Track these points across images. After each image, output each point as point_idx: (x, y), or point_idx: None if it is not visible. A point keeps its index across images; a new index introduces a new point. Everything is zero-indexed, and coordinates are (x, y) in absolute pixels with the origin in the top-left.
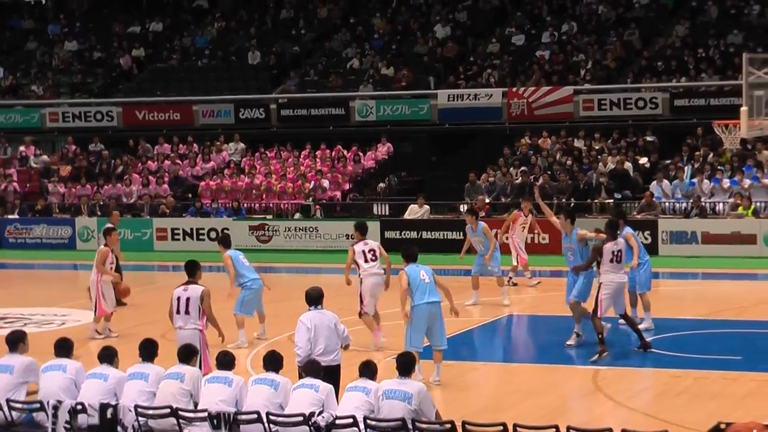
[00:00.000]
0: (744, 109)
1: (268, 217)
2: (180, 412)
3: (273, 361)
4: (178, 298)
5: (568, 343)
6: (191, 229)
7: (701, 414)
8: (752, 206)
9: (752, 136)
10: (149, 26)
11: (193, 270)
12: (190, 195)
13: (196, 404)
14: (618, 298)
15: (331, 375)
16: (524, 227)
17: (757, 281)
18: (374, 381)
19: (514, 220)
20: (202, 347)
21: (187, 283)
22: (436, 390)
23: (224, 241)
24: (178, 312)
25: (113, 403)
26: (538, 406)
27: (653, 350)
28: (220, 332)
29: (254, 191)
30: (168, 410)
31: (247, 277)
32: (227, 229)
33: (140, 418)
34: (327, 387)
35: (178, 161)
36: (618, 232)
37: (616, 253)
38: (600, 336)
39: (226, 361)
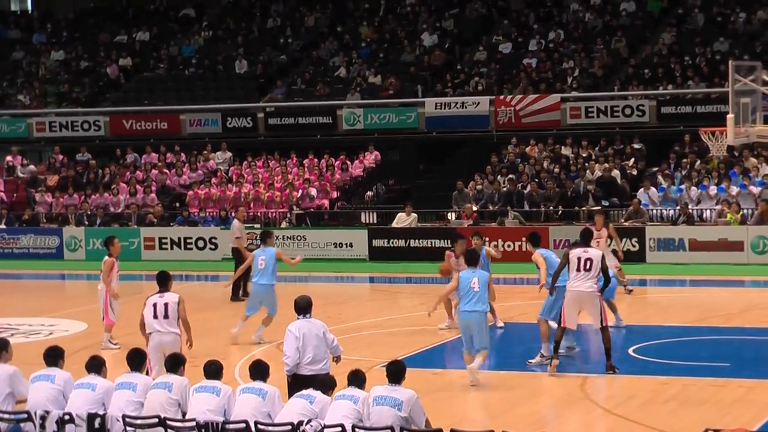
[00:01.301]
0: (730, 116)
1: (256, 225)
2: (168, 422)
3: (259, 371)
4: (155, 305)
5: (529, 361)
6: (179, 239)
7: (689, 421)
8: (740, 213)
9: (739, 143)
10: (136, 35)
11: (165, 280)
12: (177, 204)
13: (184, 414)
14: (585, 307)
15: (317, 383)
16: (598, 242)
17: (745, 288)
18: (363, 390)
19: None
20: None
21: (161, 291)
22: (425, 397)
23: None
24: (155, 317)
25: (101, 413)
26: (527, 414)
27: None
28: (189, 338)
29: (242, 200)
30: (156, 420)
31: None
32: (212, 239)
33: (128, 428)
34: (324, 399)
35: (166, 170)
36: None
37: (583, 261)
38: (556, 345)
39: (213, 371)
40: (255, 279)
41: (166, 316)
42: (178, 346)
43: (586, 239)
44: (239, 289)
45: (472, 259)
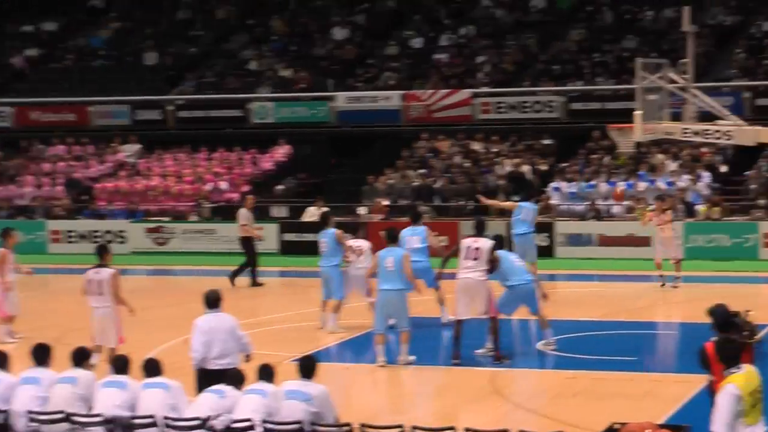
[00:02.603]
0: (638, 113)
1: (165, 219)
2: (73, 417)
3: (152, 368)
4: (90, 281)
5: (477, 352)
6: (86, 232)
7: (597, 415)
8: (645, 209)
9: (646, 139)
10: (43, 26)
11: (102, 253)
12: (85, 197)
13: (90, 409)
14: (475, 297)
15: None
16: (662, 228)
17: (652, 283)
18: (272, 384)
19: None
20: (117, 323)
21: (98, 266)
22: (336, 392)
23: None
24: (92, 293)
25: (4, 408)
26: (437, 408)
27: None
28: (130, 308)
29: (151, 193)
30: (61, 415)
31: None
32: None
33: (33, 424)
34: (234, 394)
35: (73, 163)
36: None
37: (472, 250)
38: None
39: (120, 365)
40: (320, 262)
41: (101, 293)
42: (111, 319)
43: (478, 228)
44: (256, 275)
45: (391, 237)
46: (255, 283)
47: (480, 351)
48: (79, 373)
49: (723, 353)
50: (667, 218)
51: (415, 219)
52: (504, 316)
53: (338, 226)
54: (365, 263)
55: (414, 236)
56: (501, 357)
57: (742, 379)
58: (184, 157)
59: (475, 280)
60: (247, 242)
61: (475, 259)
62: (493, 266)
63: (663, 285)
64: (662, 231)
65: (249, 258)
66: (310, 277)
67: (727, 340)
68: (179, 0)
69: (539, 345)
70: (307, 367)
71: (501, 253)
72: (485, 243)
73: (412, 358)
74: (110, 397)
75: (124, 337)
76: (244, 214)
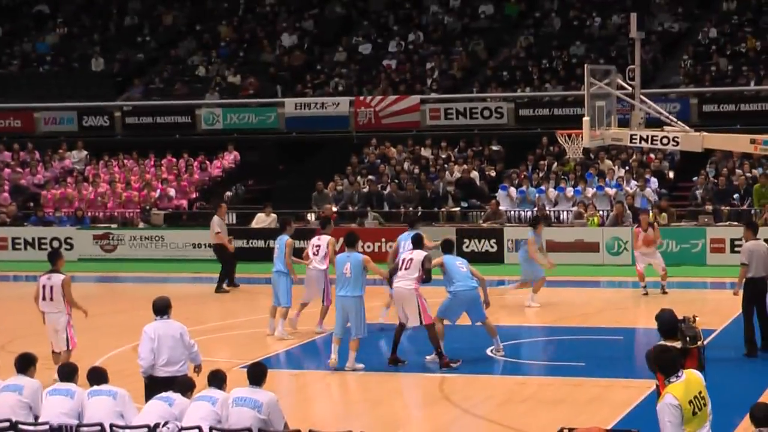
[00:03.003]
0: (586, 119)
1: (113, 226)
2: (19, 426)
3: (97, 376)
4: (43, 286)
5: (426, 358)
6: (33, 239)
7: (545, 420)
8: (596, 215)
9: (594, 145)
10: None
11: (54, 259)
12: (31, 204)
13: (36, 417)
14: (405, 305)
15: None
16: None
17: (600, 288)
18: (222, 390)
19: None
20: (68, 326)
21: (51, 271)
22: (285, 399)
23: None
24: (44, 299)
25: None
26: (385, 415)
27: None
28: (83, 311)
29: (98, 200)
30: (7, 423)
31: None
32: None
33: None
34: (183, 401)
35: (19, 169)
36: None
37: (407, 261)
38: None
39: (67, 373)
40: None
41: (51, 298)
42: (62, 323)
43: (415, 243)
44: (223, 282)
45: (349, 241)
46: (220, 289)
47: (429, 357)
48: (24, 380)
49: (660, 363)
50: (652, 236)
51: (412, 224)
52: (448, 322)
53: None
54: (323, 265)
55: (409, 240)
56: (448, 363)
57: (681, 388)
58: (132, 163)
59: (404, 289)
60: (220, 249)
61: (407, 269)
62: (426, 277)
63: (646, 294)
64: (647, 247)
65: (224, 264)
66: (259, 283)
67: (664, 349)
68: (126, 6)
69: (488, 351)
70: (256, 374)
71: (446, 259)
72: (418, 254)
73: (359, 366)
74: (57, 405)
75: (75, 342)
76: (217, 221)
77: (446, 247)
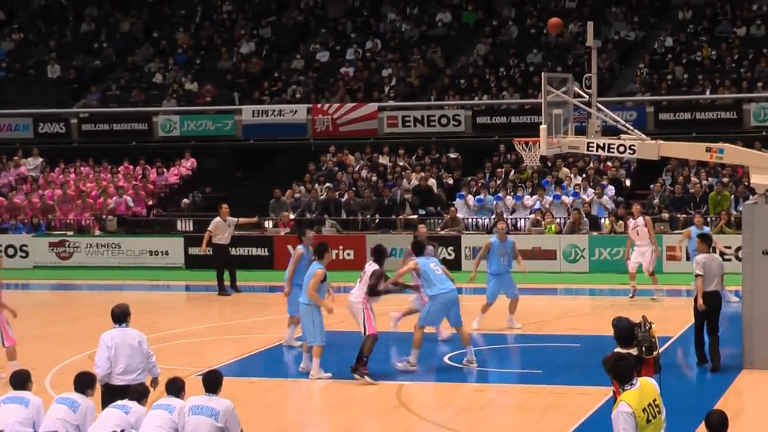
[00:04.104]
0: (543, 127)
1: (69, 233)
2: None
3: (80, 382)
4: None
5: (397, 365)
6: None
7: (503, 427)
8: (554, 223)
9: (552, 153)
10: None
11: None
12: None
13: None
14: (355, 315)
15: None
16: (638, 231)
17: (558, 296)
18: (180, 399)
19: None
20: (2, 323)
21: None
22: (241, 407)
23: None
24: None
25: None
26: (341, 422)
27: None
28: (12, 311)
29: (54, 207)
30: None
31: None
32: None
33: None
34: (139, 409)
35: None
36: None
37: (363, 272)
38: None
39: (20, 381)
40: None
41: None
42: None
43: (375, 255)
44: (224, 282)
45: (317, 250)
46: (225, 292)
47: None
48: None
49: (615, 371)
50: (641, 224)
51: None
52: (432, 329)
53: (245, 239)
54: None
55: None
56: (365, 373)
57: (634, 395)
58: (88, 170)
59: (351, 300)
60: (218, 251)
61: (360, 281)
62: (369, 292)
63: (633, 297)
64: (638, 238)
65: (217, 265)
66: (217, 291)
67: (619, 357)
68: (83, 12)
69: (463, 362)
70: (212, 382)
71: (420, 262)
72: (370, 267)
73: (326, 374)
74: (12, 413)
75: (13, 339)
76: (214, 222)
77: (417, 249)
